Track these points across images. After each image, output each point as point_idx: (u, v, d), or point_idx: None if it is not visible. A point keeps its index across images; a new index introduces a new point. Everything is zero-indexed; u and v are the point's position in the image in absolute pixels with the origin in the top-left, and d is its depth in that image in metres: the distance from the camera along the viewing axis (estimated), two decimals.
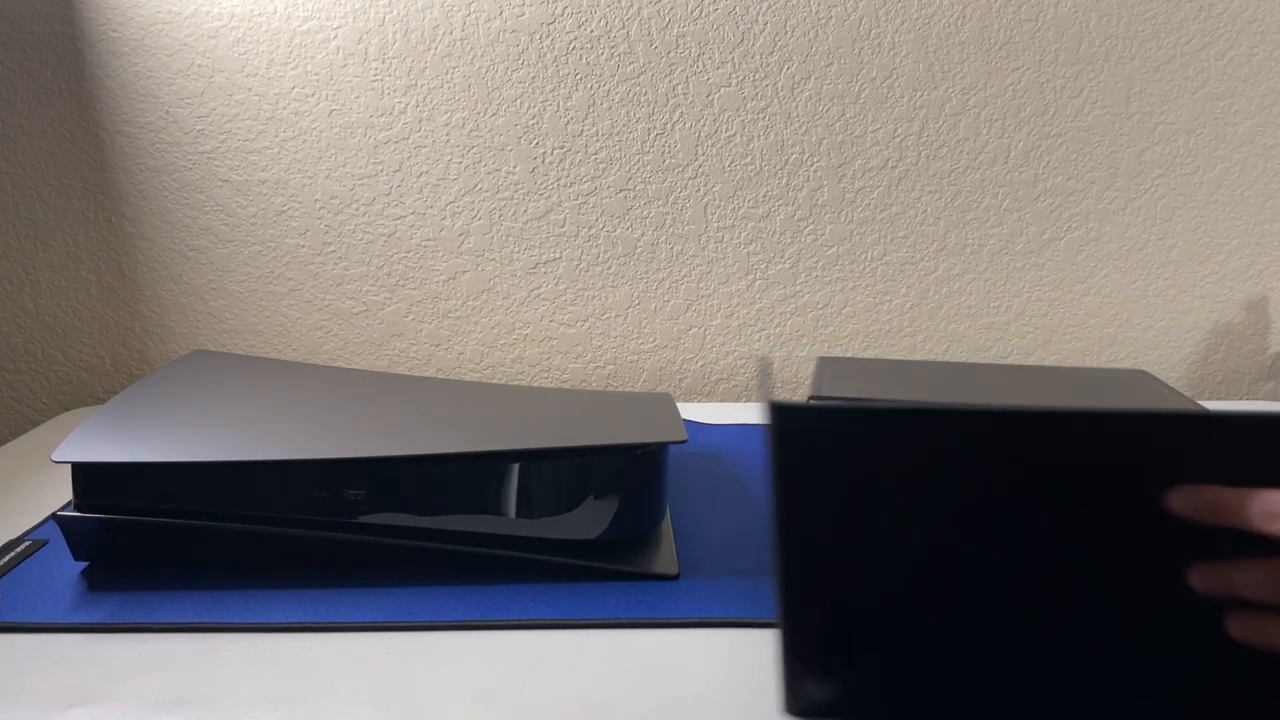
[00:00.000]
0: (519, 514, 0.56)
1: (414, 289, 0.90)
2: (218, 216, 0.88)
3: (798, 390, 0.93)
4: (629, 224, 0.89)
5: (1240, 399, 0.95)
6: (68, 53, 0.84)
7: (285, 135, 0.86)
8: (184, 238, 0.88)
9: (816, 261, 0.90)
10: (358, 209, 0.88)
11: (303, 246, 0.88)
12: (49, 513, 0.64)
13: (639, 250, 0.89)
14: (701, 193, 0.88)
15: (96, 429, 0.57)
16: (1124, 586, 0.36)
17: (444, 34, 0.84)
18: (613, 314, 0.91)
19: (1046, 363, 0.93)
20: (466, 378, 0.92)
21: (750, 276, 0.90)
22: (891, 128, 0.87)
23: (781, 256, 0.90)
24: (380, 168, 0.87)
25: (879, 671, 0.39)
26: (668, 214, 0.88)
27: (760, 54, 0.85)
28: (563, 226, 0.89)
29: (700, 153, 0.87)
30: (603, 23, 0.84)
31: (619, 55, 0.85)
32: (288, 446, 0.55)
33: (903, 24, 0.85)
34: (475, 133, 0.86)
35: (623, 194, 0.88)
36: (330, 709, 0.44)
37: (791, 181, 0.88)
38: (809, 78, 0.86)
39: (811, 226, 0.89)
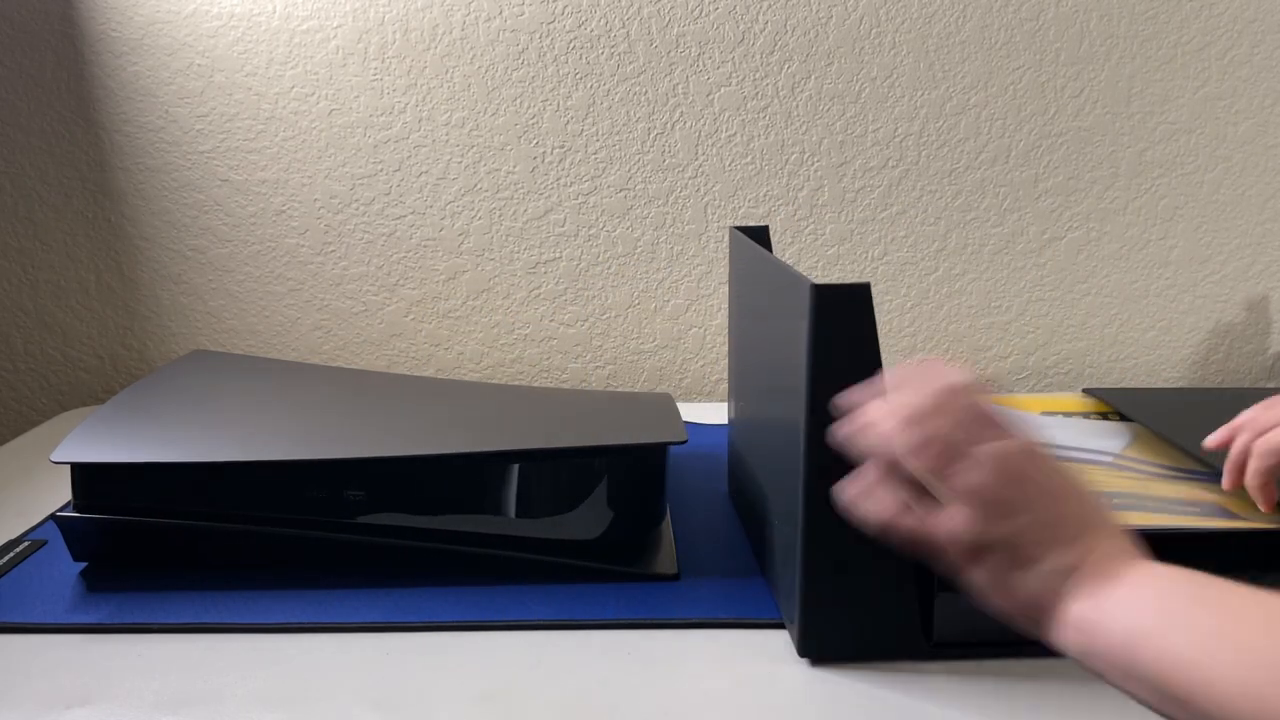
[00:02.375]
0: (519, 514, 0.56)
1: (413, 289, 0.89)
2: (217, 216, 0.87)
3: None
4: (629, 224, 0.89)
5: None
6: (67, 52, 0.84)
7: (285, 135, 0.86)
8: (183, 238, 0.88)
9: (816, 261, 0.90)
10: (357, 208, 0.87)
11: (302, 246, 0.88)
12: (48, 513, 0.64)
13: (639, 250, 0.89)
14: (701, 193, 0.88)
15: (95, 429, 0.57)
16: None
17: (443, 33, 0.84)
18: (613, 314, 0.91)
19: (1047, 363, 0.93)
20: (466, 378, 0.92)
21: None
22: (892, 127, 0.87)
23: (782, 256, 0.90)
24: (380, 167, 0.86)
25: None
26: (668, 214, 0.88)
27: (760, 53, 0.85)
28: (563, 226, 0.88)
29: (700, 153, 0.87)
30: (603, 22, 0.84)
31: (619, 55, 0.85)
32: (287, 446, 0.55)
33: (903, 23, 0.85)
34: (475, 132, 0.86)
35: (623, 194, 0.88)
36: (330, 709, 0.44)
37: (791, 181, 0.88)
38: (809, 77, 0.86)
39: (811, 226, 0.89)
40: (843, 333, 0.43)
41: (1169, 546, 0.45)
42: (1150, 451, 0.61)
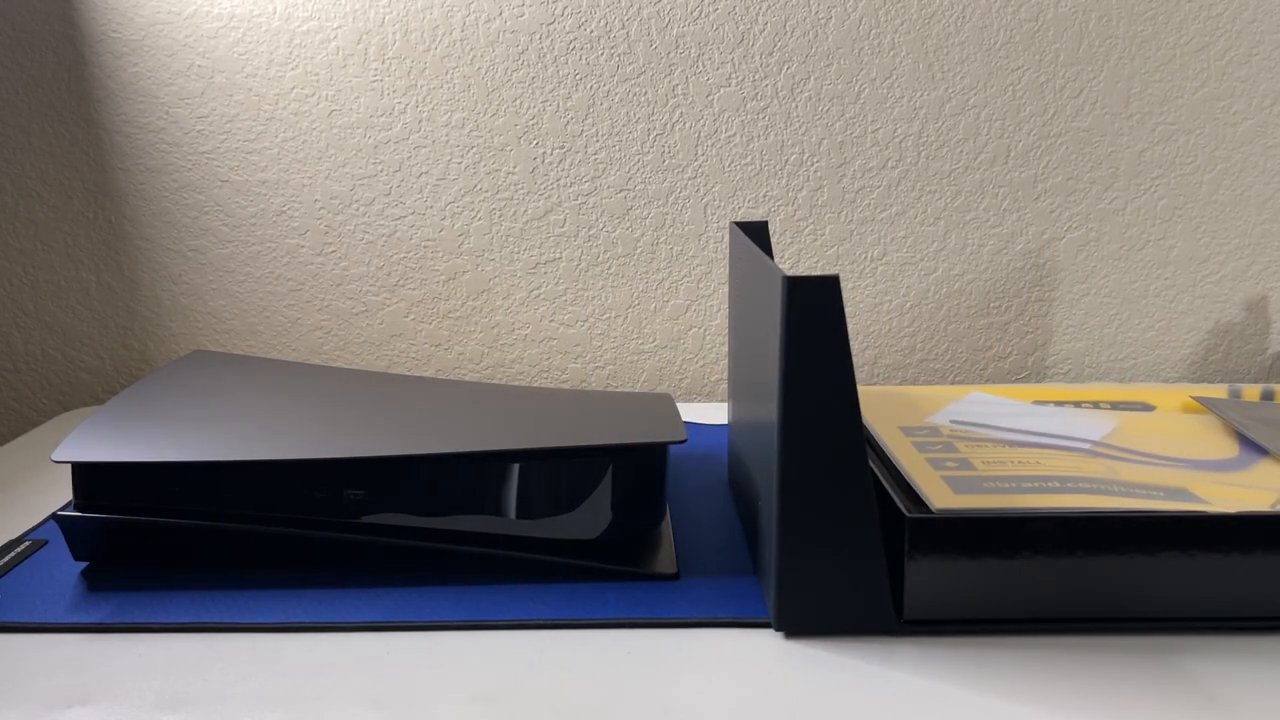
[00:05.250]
0: (519, 514, 0.56)
1: (414, 289, 0.90)
2: (218, 217, 0.88)
3: None
4: (629, 224, 0.89)
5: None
6: (68, 53, 0.84)
7: (285, 135, 0.86)
8: (184, 238, 0.88)
9: (816, 261, 0.90)
10: (358, 209, 0.88)
11: (303, 247, 0.88)
12: (49, 513, 0.64)
13: (639, 250, 0.89)
14: (701, 193, 0.88)
15: (96, 429, 0.57)
16: None
17: (444, 34, 0.84)
18: (613, 314, 0.91)
19: (1047, 363, 0.93)
20: (466, 378, 0.92)
21: None
22: (891, 128, 0.87)
23: (782, 257, 0.90)
24: (380, 168, 0.87)
25: None
26: (668, 214, 0.89)
27: (760, 54, 0.85)
28: (563, 226, 0.89)
29: (700, 153, 0.87)
30: (603, 23, 0.84)
31: (619, 55, 0.85)
32: (287, 446, 0.55)
33: (903, 24, 0.85)
34: (475, 133, 0.86)
35: (623, 194, 0.88)
36: (330, 709, 0.44)
37: (791, 181, 0.88)
38: (809, 78, 0.86)
39: (811, 226, 0.89)
40: (813, 323, 0.46)
41: (1123, 528, 0.49)
42: (1132, 440, 0.61)
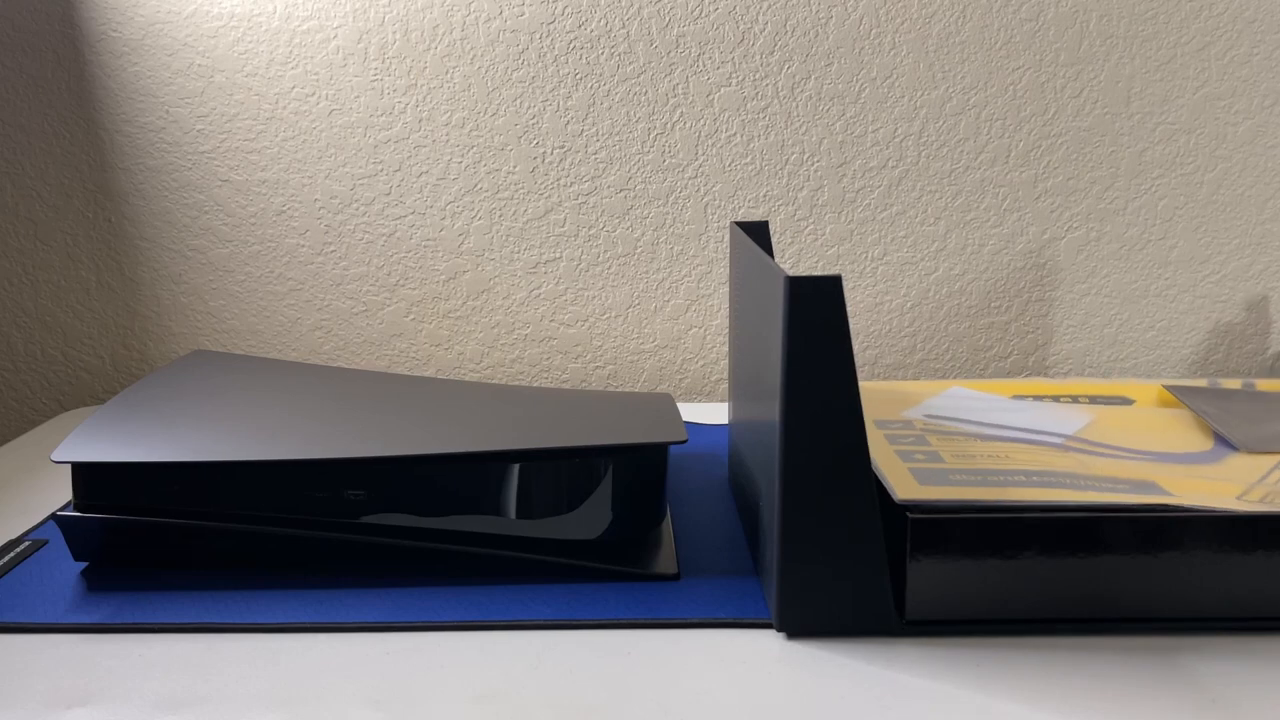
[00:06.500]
0: (519, 514, 0.56)
1: (414, 289, 0.89)
2: (218, 216, 0.88)
3: None
4: (629, 224, 0.89)
5: None
6: (68, 53, 0.84)
7: (285, 135, 0.86)
8: (184, 238, 0.88)
9: (817, 261, 0.90)
10: (358, 209, 0.88)
11: (303, 246, 0.88)
12: (49, 513, 0.64)
13: (639, 250, 0.89)
14: (701, 193, 0.88)
15: (96, 429, 0.57)
16: None
17: (444, 34, 0.84)
18: (613, 314, 0.91)
19: (1047, 363, 0.93)
20: (466, 378, 0.92)
21: None
22: (891, 128, 0.87)
23: (782, 256, 0.90)
24: (380, 168, 0.87)
25: None
26: (668, 214, 0.88)
27: (760, 54, 0.85)
28: (563, 226, 0.88)
29: (700, 153, 0.87)
30: (603, 23, 0.84)
31: (619, 55, 0.85)
32: (288, 446, 0.55)
33: (903, 24, 0.85)
34: (475, 133, 0.86)
35: (623, 194, 0.88)
36: (330, 709, 0.44)
37: (791, 181, 0.88)
38: (809, 77, 0.86)
39: (811, 226, 0.89)
40: (815, 323, 0.46)
41: (1124, 528, 0.49)
42: (1107, 434, 0.61)
